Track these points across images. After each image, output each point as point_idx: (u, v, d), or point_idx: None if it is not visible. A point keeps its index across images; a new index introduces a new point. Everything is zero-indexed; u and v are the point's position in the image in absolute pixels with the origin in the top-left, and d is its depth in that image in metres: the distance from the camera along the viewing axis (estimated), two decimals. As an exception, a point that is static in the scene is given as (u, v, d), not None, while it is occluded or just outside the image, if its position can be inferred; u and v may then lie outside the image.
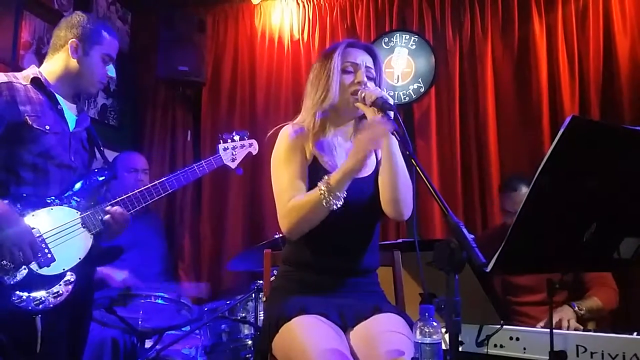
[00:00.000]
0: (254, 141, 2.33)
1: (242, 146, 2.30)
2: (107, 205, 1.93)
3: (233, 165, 2.26)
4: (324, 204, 1.60)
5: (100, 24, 2.07)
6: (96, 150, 2.12)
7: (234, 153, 2.27)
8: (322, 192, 1.60)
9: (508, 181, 2.89)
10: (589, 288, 2.62)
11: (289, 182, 1.71)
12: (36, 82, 1.95)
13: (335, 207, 1.61)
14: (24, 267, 1.76)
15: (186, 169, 2.14)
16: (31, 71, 1.98)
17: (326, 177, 1.62)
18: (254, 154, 2.34)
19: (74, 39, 1.99)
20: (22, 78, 1.95)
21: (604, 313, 2.57)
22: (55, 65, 2.01)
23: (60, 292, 1.81)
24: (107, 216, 1.91)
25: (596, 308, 2.52)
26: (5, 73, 1.95)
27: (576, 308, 2.49)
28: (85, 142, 2.07)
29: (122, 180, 3.00)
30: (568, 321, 2.40)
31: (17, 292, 1.74)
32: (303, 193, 1.69)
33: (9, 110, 1.85)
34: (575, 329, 2.37)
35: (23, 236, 1.76)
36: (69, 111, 2.02)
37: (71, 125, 2.00)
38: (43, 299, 1.77)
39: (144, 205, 2.01)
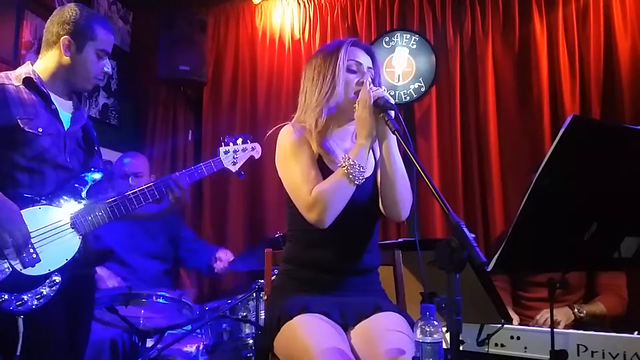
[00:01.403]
0: (256, 145, 2.26)
1: (245, 150, 2.23)
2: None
3: (234, 168, 2.21)
4: (349, 178, 1.61)
5: (93, 18, 1.98)
6: (95, 149, 2.07)
7: (236, 156, 2.21)
8: (345, 167, 1.62)
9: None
10: (599, 293, 2.62)
11: (302, 174, 1.69)
12: (28, 82, 1.89)
13: (359, 181, 1.63)
14: (8, 266, 1.72)
15: (184, 171, 2.10)
16: (24, 70, 1.92)
17: (344, 156, 1.65)
18: (256, 157, 2.27)
19: (66, 36, 1.92)
20: (14, 78, 1.89)
21: (607, 319, 2.57)
22: (48, 62, 1.95)
23: (44, 293, 1.76)
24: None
25: (599, 313, 2.52)
26: None
27: (575, 310, 2.49)
28: (81, 141, 2.01)
29: (115, 185, 2.99)
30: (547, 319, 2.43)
31: None
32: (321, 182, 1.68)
33: (1, 113, 1.80)
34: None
35: (10, 220, 1.71)
36: (64, 110, 1.97)
37: (66, 124, 1.95)
38: (26, 299, 1.72)
39: (137, 206, 1.97)
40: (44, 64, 1.96)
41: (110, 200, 1.93)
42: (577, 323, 2.48)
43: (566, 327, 2.45)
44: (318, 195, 1.63)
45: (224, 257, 3.11)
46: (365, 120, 1.63)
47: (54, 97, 1.94)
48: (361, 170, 1.62)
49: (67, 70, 1.94)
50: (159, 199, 2.04)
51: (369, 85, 1.67)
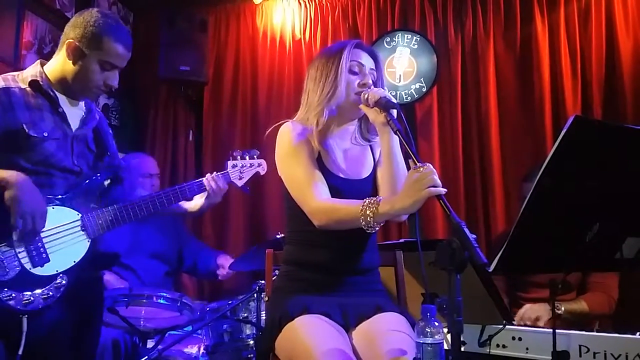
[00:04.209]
0: (262, 161, 2.29)
1: (251, 165, 2.26)
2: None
3: (240, 183, 2.23)
4: (363, 225, 1.57)
5: (108, 29, 1.88)
6: (108, 151, 2.06)
7: (242, 171, 2.24)
8: (367, 215, 1.54)
9: (531, 170, 2.86)
10: (587, 290, 2.61)
11: (306, 176, 1.68)
12: (35, 84, 1.86)
13: (372, 231, 1.60)
14: (17, 264, 1.73)
15: (193, 182, 2.12)
16: (31, 72, 1.90)
17: (375, 200, 1.55)
18: (262, 174, 2.30)
19: (72, 40, 1.85)
20: (20, 80, 1.87)
21: (591, 317, 2.56)
22: (55, 64, 1.92)
23: (51, 294, 1.77)
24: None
25: (579, 311, 2.51)
26: (4, 76, 1.86)
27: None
28: (91, 143, 1.99)
29: (136, 185, 3.03)
30: (536, 319, 2.42)
31: (6, 290, 1.71)
32: (325, 185, 1.68)
33: (5, 118, 1.78)
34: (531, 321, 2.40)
35: (38, 206, 1.74)
36: (74, 111, 1.95)
37: (74, 126, 1.93)
38: (32, 299, 1.73)
39: (146, 213, 1.97)
40: (52, 65, 1.93)
41: (121, 205, 1.94)
42: (558, 320, 2.46)
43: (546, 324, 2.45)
44: (327, 210, 1.63)
45: (225, 264, 3.16)
46: (421, 201, 1.47)
47: (62, 100, 1.92)
48: (379, 224, 1.58)
49: (68, 76, 1.90)
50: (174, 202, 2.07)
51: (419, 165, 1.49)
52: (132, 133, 4.22)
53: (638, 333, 1.84)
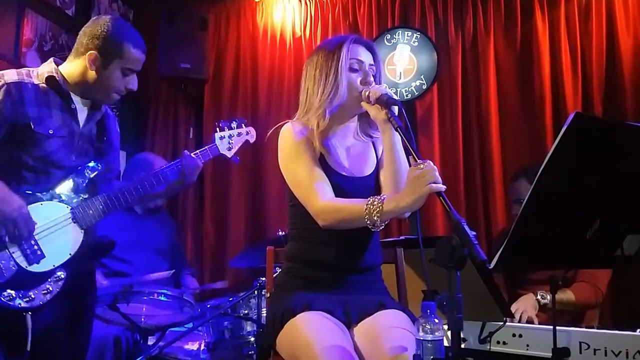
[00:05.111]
0: (251, 129, 2.26)
1: (239, 134, 2.23)
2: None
3: (229, 154, 2.20)
4: (369, 224, 1.56)
5: (125, 35, 1.94)
6: (112, 144, 2.06)
7: (231, 142, 2.20)
8: (372, 214, 1.53)
9: (515, 172, 2.89)
10: (575, 281, 2.62)
11: (309, 174, 1.68)
12: (51, 81, 1.88)
13: (377, 229, 1.59)
14: (13, 264, 1.74)
15: (180, 159, 2.09)
16: (47, 69, 1.91)
17: (379, 198, 1.55)
18: (251, 142, 2.27)
19: (93, 51, 1.89)
20: (35, 76, 1.89)
21: (577, 308, 2.56)
22: (73, 69, 1.94)
23: (50, 289, 1.79)
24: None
25: (566, 301, 2.51)
26: (18, 71, 1.88)
27: (539, 297, 2.48)
28: (95, 139, 2.01)
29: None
30: (521, 313, 2.42)
31: (6, 291, 1.72)
32: (328, 185, 1.67)
33: (14, 112, 1.80)
34: (528, 321, 2.39)
35: (15, 211, 1.73)
36: (83, 108, 1.97)
37: (82, 123, 1.95)
38: (33, 296, 1.75)
39: (136, 197, 1.97)
40: (70, 69, 1.95)
41: (110, 192, 1.94)
42: (543, 309, 2.46)
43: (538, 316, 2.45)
44: (331, 209, 1.62)
45: (190, 286, 3.14)
46: (423, 197, 1.47)
47: (75, 97, 1.94)
48: (384, 223, 1.57)
49: (89, 83, 1.93)
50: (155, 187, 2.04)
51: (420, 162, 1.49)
52: (133, 131, 4.21)
53: (638, 330, 1.84)
